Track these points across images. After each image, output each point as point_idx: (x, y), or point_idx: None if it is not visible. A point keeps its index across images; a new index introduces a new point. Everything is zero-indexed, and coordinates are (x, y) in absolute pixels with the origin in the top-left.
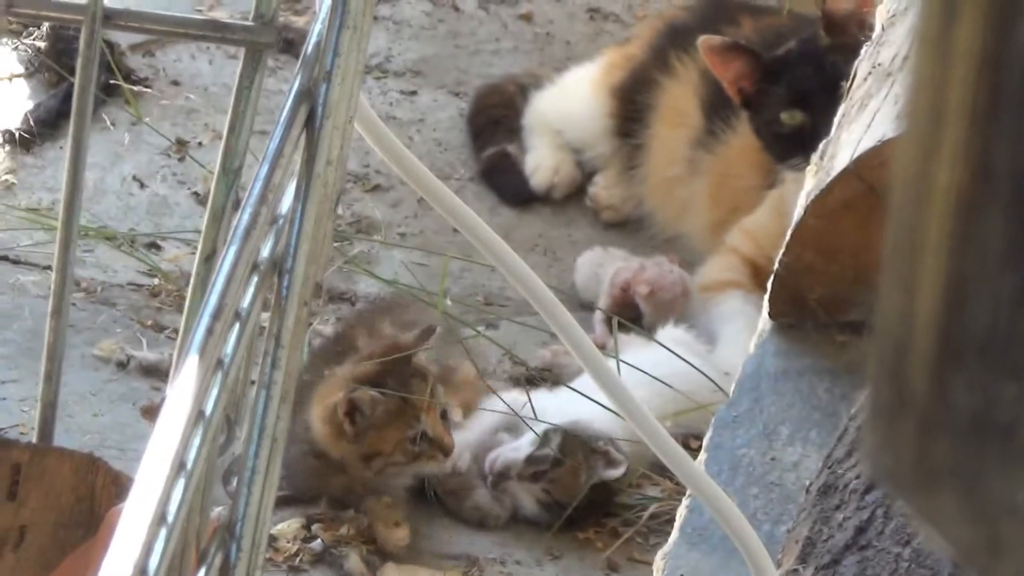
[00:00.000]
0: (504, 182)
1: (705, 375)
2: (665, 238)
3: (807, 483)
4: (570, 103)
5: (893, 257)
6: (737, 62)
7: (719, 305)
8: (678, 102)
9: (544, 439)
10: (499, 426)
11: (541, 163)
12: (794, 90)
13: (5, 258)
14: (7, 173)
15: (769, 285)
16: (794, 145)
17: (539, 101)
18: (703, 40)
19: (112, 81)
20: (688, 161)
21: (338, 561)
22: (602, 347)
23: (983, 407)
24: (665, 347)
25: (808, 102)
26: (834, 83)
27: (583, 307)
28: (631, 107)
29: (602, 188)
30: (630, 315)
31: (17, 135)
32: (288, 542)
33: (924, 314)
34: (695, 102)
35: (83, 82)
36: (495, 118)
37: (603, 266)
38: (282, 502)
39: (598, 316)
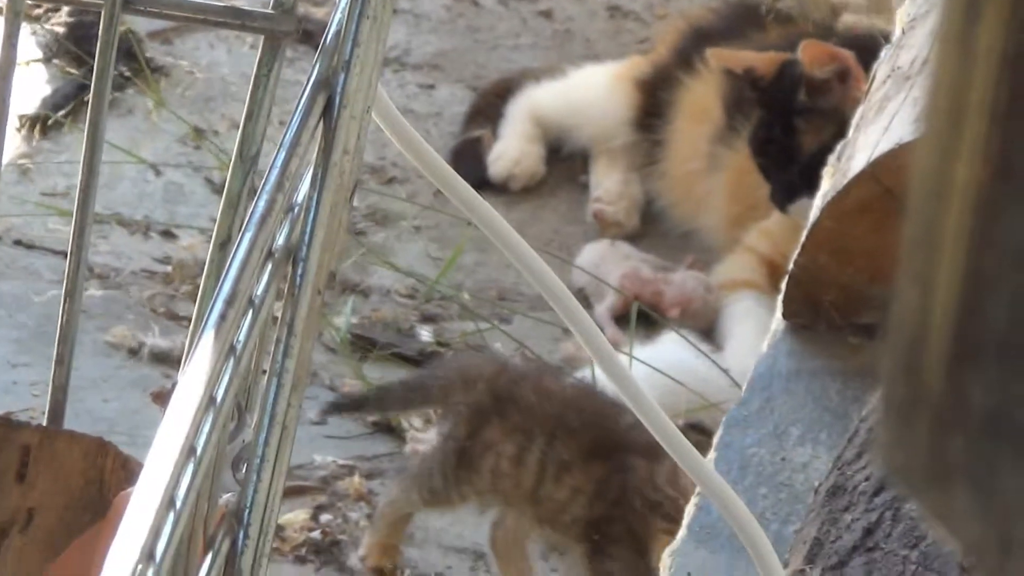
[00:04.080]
0: (463, 166)
1: (723, 370)
2: (681, 232)
3: (816, 484)
4: (587, 96)
5: (910, 254)
6: (727, 81)
7: (731, 305)
8: (700, 99)
9: None
10: None
11: (505, 153)
12: (755, 137)
13: (20, 243)
14: (23, 158)
15: (783, 286)
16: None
17: (538, 94)
18: (711, 52)
19: (127, 74)
20: (708, 156)
21: (343, 554)
22: (615, 345)
23: (998, 405)
24: (686, 338)
25: (763, 154)
26: (791, 148)
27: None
28: (653, 102)
29: (607, 204)
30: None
31: (34, 120)
32: (295, 532)
33: (940, 311)
34: (717, 99)
35: (101, 67)
36: (489, 105)
37: (605, 262)
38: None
39: (603, 312)
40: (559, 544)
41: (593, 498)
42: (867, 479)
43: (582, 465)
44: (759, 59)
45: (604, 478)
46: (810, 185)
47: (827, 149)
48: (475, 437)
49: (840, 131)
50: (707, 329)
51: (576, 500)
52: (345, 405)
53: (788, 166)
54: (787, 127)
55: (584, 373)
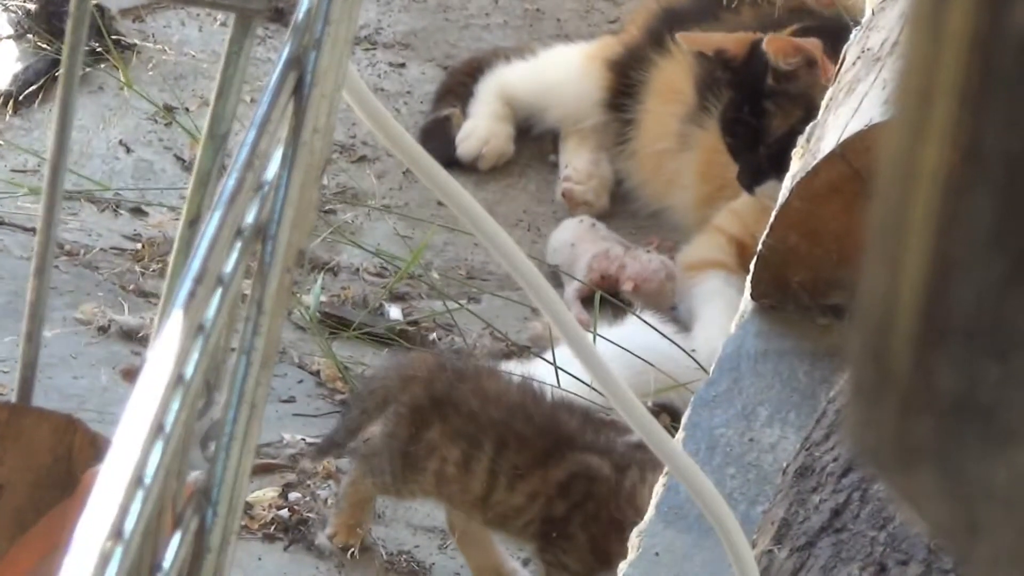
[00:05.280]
0: (431, 144)
1: (687, 353)
2: (650, 212)
3: (784, 464)
4: (558, 76)
5: (878, 236)
6: (698, 61)
7: (700, 285)
8: (672, 79)
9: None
10: None
11: (474, 132)
12: (725, 117)
13: None
14: None
15: (752, 266)
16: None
17: (508, 73)
18: (681, 36)
19: (99, 48)
20: (679, 136)
21: (311, 532)
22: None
23: (965, 388)
24: (648, 323)
25: (732, 134)
26: (760, 129)
27: (552, 274)
28: (625, 81)
29: (577, 184)
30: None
31: (4, 97)
32: (264, 510)
33: (908, 294)
34: (689, 79)
35: (72, 45)
36: (459, 84)
37: (581, 242)
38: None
39: (571, 293)
40: (511, 542)
41: (555, 499)
42: (835, 460)
43: (539, 472)
44: (730, 40)
45: (566, 481)
46: (778, 168)
47: (795, 132)
48: (417, 440)
49: (808, 115)
50: (662, 312)
51: (534, 504)
52: (324, 447)
53: (756, 148)
54: (756, 109)
55: (548, 354)
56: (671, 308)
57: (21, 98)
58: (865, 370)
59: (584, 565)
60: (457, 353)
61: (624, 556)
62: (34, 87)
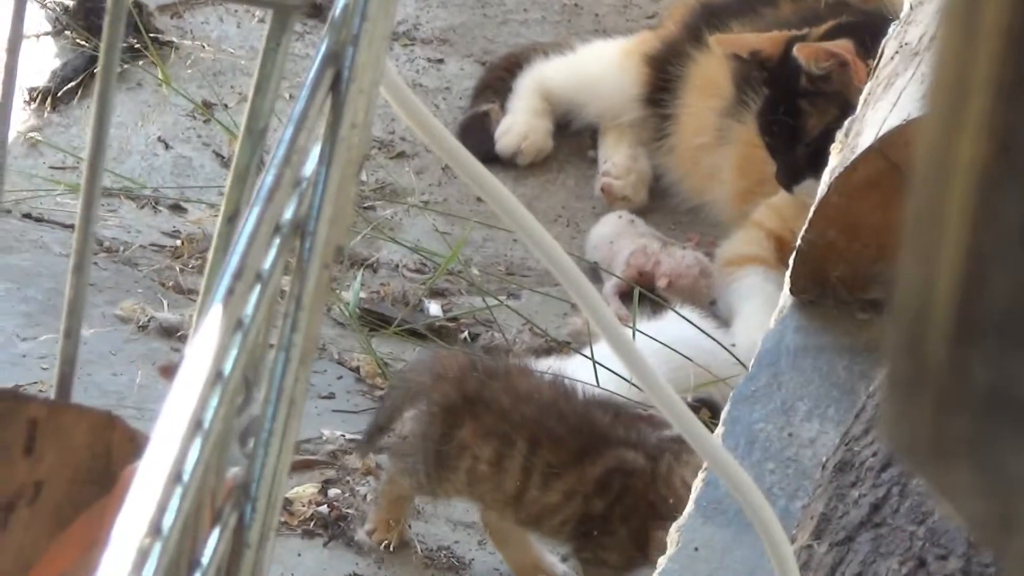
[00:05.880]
0: (470, 140)
1: (726, 348)
2: (689, 207)
3: (823, 459)
4: (596, 71)
5: (914, 230)
6: (735, 63)
7: (738, 281)
8: (710, 73)
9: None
10: None
11: (512, 128)
12: (762, 117)
13: (28, 216)
14: (33, 131)
15: (791, 261)
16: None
17: (547, 69)
18: (715, 39)
19: (137, 44)
20: (717, 130)
21: (351, 528)
22: (621, 322)
23: (1001, 382)
24: (686, 319)
25: (769, 133)
26: (796, 129)
27: (591, 270)
28: (663, 77)
29: (615, 179)
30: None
31: (43, 93)
32: (303, 506)
33: (943, 288)
34: (727, 73)
35: (110, 41)
36: (498, 79)
37: (620, 238)
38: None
39: (609, 289)
40: (546, 541)
41: (592, 496)
42: (874, 455)
43: (575, 470)
44: (764, 40)
45: (603, 477)
46: (815, 167)
47: (832, 131)
48: (449, 439)
49: (844, 114)
50: (699, 308)
51: (570, 503)
52: (363, 445)
53: (793, 147)
54: (792, 108)
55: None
56: (709, 304)
57: (59, 95)
58: (901, 364)
59: (624, 557)
60: (489, 351)
61: (662, 543)
62: (72, 84)
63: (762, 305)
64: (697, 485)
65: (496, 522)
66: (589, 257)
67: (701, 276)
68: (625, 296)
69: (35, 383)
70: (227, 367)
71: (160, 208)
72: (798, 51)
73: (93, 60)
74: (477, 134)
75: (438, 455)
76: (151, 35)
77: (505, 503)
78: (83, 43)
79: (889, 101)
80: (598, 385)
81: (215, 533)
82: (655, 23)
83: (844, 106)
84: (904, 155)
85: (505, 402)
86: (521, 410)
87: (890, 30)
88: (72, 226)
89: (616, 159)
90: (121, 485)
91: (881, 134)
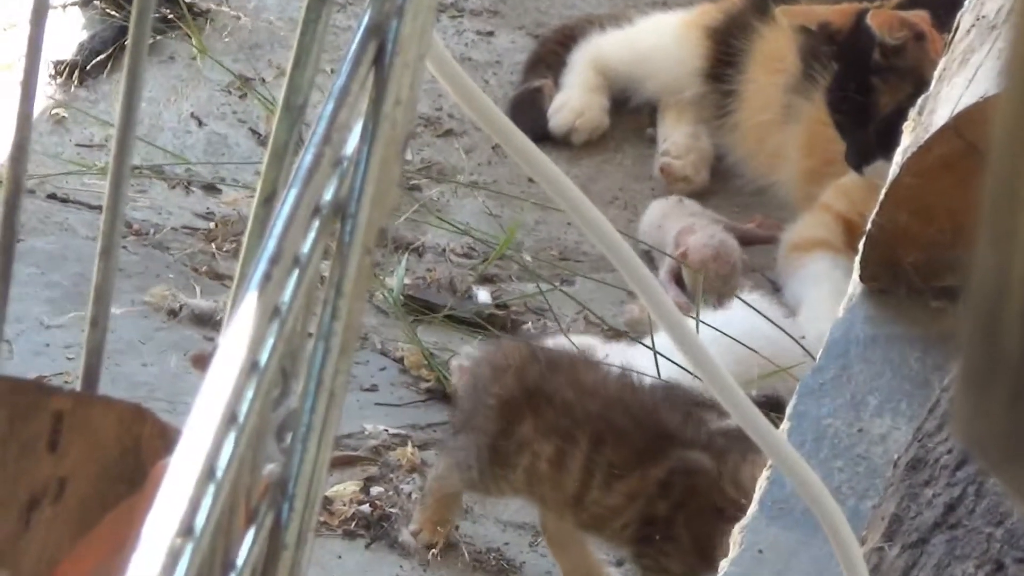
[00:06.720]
0: (521, 117)
1: (795, 340)
2: (754, 188)
3: (895, 457)
4: (655, 44)
5: (990, 212)
6: (802, 36)
7: (806, 267)
8: (775, 47)
9: None
10: None
11: (567, 103)
12: (831, 94)
13: (54, 197)
14: (58, 107)
15: (861, 247)
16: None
17: (603, 42)
18: (781, 11)
19: (170, 15)
20: (783, 107)
21: (394, 529)
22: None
23: None
24: (753, 307)
25: (838, 110)
26: (867, 106)
27: (646, 255)
28: (726, 50)
29: (675, 158)
30: None
31: (70, 67)
32: (344, 505)
33: (1020, 271)
34: (793, 47)
35: (140, 11)
36: (551, 53)
37: (667, 220)
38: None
39: (664, 275)
40: (606, 546)
41: (655, 499)
42: (949, 452)
43: (639, 470)
44: (834, 11)
45: (666, 479)
46: (887, 147)
47: (904, 109)
48: (508, 434)
49: (918, 91)
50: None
51: (633, 505)
52: None
53: (864, 125)
54: (863, 84)
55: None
56: (731, 290)
57: (87, 69)
58: (975, 353)
59: (686, 566)
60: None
61: (727, 552)
62: (100, 57)
63: (830, 293)
64: (762, 484)
65: (555, 526)
66: (641, 246)
67: (713, 260)
68: (680, 281)
69: (60, 374)
70: (263, 357)
71: (193, 188)
72: (871, 19)
73: (123, 31)
74: (529, 111)
75: (495, 451)
76: (186, 2)
77: (565, 504)
78: (113, 13)
79: (965, 77)
80: (659, 377)
81: (250, 534)
82: None
83: (918, 82)
84: (981, 134)
85: (569, 396)
86: (585, 405)
87: (966, 2)
88: (99, 207)
89: (676, 138)
90: (151, 482)
91: (956, 112)
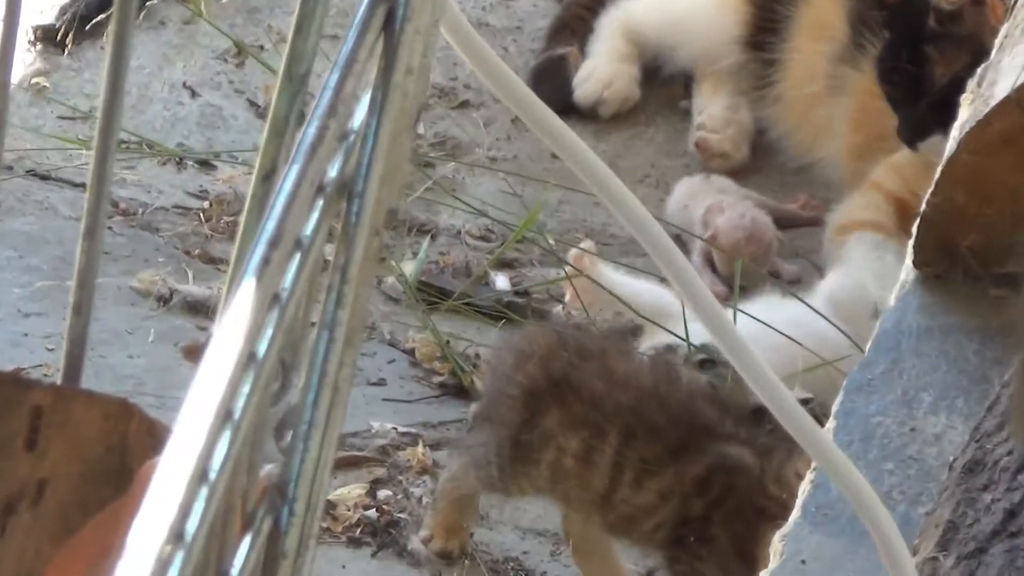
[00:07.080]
0: (544, 88)
1: (842, 331)
2: (798, 165)
3: (951, 459)
4: (690, 9)
5: None
6: (851, 1)
7: (846, 247)
8: (821, 13)
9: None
10: None
11: (594, 73)
12: (882, 64)
13: (33, 173)
14: (39, 75)
15: (914, 229)
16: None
17: (633, 6)
18: None
19: None
20: (829, 78)
21: (403, 536)
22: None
23: None
24: (797, 297)
25: (890, 81)
26: (921, 77)
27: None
28: (767, 16)
29: (712, 132)
30: None
31: (52, 32)
32: (348, 509)
33: None
34: (841, 13)
35: None
36: (577, 18)
37: (693, 199)
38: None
39: (697, 259)
40: (636, 550)
41: (691, 496)
42: (1009, 453)
43: (673, 466)
44: None
45: (703, 476)
46: (943, 121)
47: (961, 80)
48: (531, 427)
49: (976, 61)
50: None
51: (666, 504)
52: None
53: (917, 98)
54: (916, 54)
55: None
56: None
57: (70, 34)
58: None
59: (724, 572)
60: (579, 328)
61: (767, 560)
62: (85, 21)
63: (867, 263)
64: (805, 487)
65: (579, 530)
66: (668, 220)
67: (746, 243)
68: (713, 264)
69: (39, 366)
70: (261, 348)
71: (185, 165)
72: None
73: None
74: (552, 81)
75: (517, 445)
76: None
77: (592, 503)
78: None
79: None
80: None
81: (246, 540)
82: None
83: (976, 51)
84: None
85: (598, 387)
86: (616, 396)
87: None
88: (83, 185)
89: (713, 110)
90: (138, 484)
91: (1019, 83)
